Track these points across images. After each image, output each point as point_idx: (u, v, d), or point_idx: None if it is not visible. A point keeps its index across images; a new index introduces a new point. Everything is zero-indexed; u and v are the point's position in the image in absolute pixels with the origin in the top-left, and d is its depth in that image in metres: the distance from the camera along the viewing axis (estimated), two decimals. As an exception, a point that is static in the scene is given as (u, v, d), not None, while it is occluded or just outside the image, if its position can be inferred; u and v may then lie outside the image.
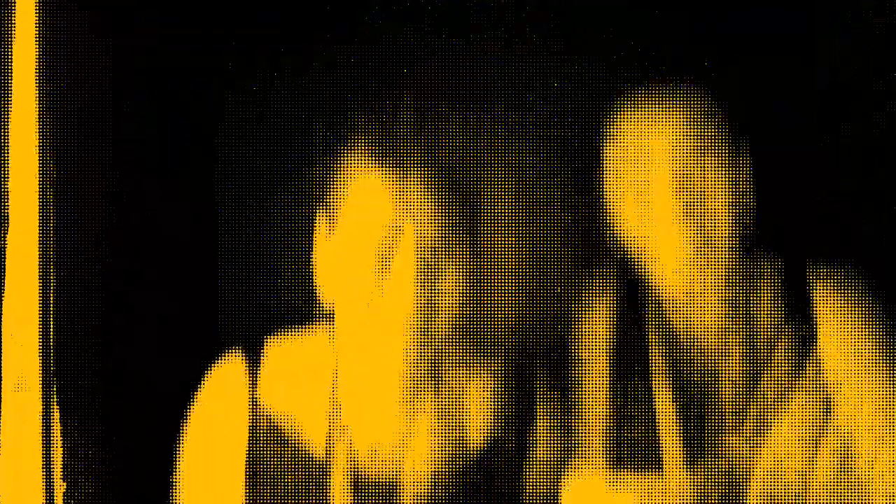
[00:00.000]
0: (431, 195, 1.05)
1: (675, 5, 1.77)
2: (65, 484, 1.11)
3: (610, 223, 1.35)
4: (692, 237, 1.22)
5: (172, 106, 1.67)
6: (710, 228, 1.22)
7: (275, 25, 1.76)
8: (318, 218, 1.21)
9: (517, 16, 1.82)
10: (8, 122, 1.09)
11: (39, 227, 1.10)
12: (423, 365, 1.09)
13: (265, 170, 1.76)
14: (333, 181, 1.19)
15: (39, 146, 1.11)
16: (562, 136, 1.82)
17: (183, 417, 1.31)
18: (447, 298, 1.07)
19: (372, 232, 1.05)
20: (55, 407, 1.10)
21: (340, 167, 1.17)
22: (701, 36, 1.79)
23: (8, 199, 1.09)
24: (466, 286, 1.10)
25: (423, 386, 1.13)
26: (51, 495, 1.08)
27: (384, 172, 1.07)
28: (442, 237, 1.06)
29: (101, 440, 1.22)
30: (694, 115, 1.25)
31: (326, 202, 1.19)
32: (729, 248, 1.24)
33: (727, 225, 1.24)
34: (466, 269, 1.09)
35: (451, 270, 1.07)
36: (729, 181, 1.25)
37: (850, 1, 1.66)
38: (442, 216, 1.06)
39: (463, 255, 1.09)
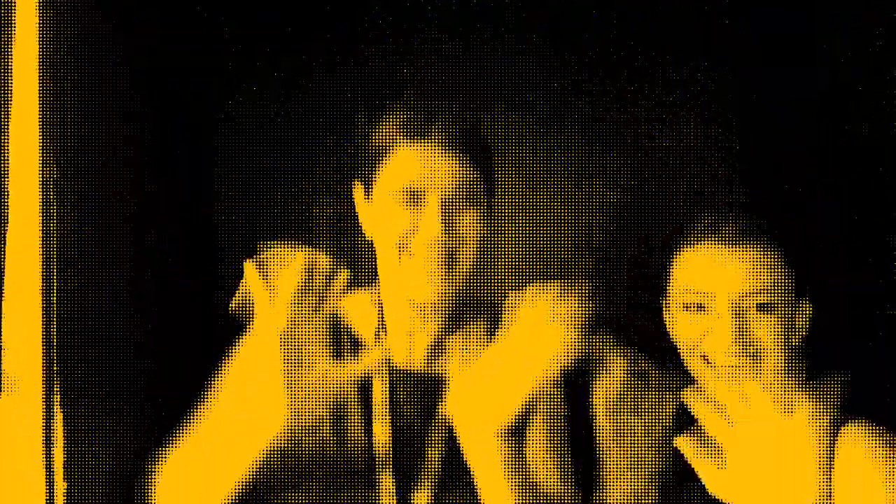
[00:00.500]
0: (453, 161, 1.32)
1: (675, 6, 1.78)
2: (66, 484, 1.11)
3: (669, 328, 1.41)
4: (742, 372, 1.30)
5: (172, 106, 1.67)
6: (758, 363, 1.31)
7: (275, 25, 1.76)
8: (355, 185, 1.42)
9: (517, 16, 1.82)
10: (8, 122, 1.09)
11: (41, 226, 1.09)
12: (447, 299, 1.35)
13: (265, 169, 1.76)
14: (368, 155, 1.38)
15: (41, 146, 1.10)
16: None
17: (184, 417, 1.32)
18: (466, 244, 1.34)
19: (403, 193, 1.32)
20: (57, 406, 1.10)
21: (374, 143, 1.37)
22: (701, 36, 1.79)
23: (8, 198, 1.09)
24: (482, 238, 1.35)
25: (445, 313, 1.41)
26: (52, 495, 1.08)
27: (413, 145, 1.33)
28: (461, 196, 1.33)
29: (102, 440, 1.22)
30: (761, 269, 1.32)
31: (363, 172, 1.39)
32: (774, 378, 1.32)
33: (775, 360, 1.31)
34: (482, 223, 1.35)
35: (469, 221, 1.34)
36: (783, 328, 1.31)
37: (850, 1, 1.66)
38: (461, 178, 1.33)
39: (480, 211, 1.35)
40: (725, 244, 1.31)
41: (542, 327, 1.21)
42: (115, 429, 1.28)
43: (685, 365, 1.36)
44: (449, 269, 1.33)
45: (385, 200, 1.35)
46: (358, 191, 1.42)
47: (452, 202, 1.32)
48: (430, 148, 1.32)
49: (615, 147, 1.81)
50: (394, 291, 1.40)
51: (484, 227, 1.36)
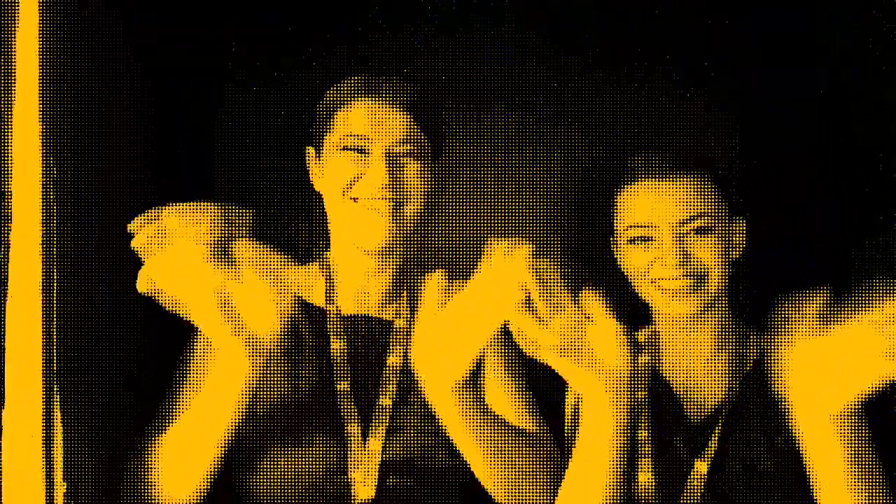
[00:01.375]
0: (399, 116, 1.41)
1: (675, 6, 1.78)
2: (66, 484, 1.11)
3: (619, 262, 1.50)
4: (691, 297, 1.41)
5: (172, 106, 1.67)
6: (705, 285, 1.41)
7: (275, 25, 1.76)
8: (307, 150, 1.51)
9: (517, 16, 1.82)
10: (10, 122, 1.09)
11: (42, 227, 1.09)
12: (396, 246, 1.44)
13: (265, 169, 1.76)
14: (320, 119, 1.47)
15: (42, 146, 1.10)
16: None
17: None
18: (411, 195, 1.41)
19: (350, 139, 1.41)
20: (56, 407, 1.10)
21: (326, 104, 1.47)
22: (701, 36, 1.80)
23: (11, 199, 1.09)
24: (427, 192, 1.44)
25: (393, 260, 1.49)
26: (51, 496, 1.08)
27: (363, 100, 1.42)
28: (406, 149, 1.41)
29: (102, 441, 1.22)
30: (695, 196, 1.41)
31: (315, 138, 1.49)
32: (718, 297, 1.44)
33: (718, 277, 1.41)
34: (427, 178, 1.44)
35: (413, 173, 1.42)
36: (723, 246, 1.42)
37: (850, 1, 1.66)
38: (406, 132, 1.41)
39: (424, 166, 1.43)
40: (660, 177, 1.41)
41: (490, 281, 1.22)
42: (115, 429, 1.28)
43: (637, 292, 1.46)
44: (395, 216, 1.40)
45: (333, 153, 1.42)
46: (310, 154, 1.50)
47: (397, 154, 1.40)
48: (378, 102, 1.41)
49: (615, 147, 1.81)
50: (344, 241, 1.46)
51: (429, 182, 1.44)
